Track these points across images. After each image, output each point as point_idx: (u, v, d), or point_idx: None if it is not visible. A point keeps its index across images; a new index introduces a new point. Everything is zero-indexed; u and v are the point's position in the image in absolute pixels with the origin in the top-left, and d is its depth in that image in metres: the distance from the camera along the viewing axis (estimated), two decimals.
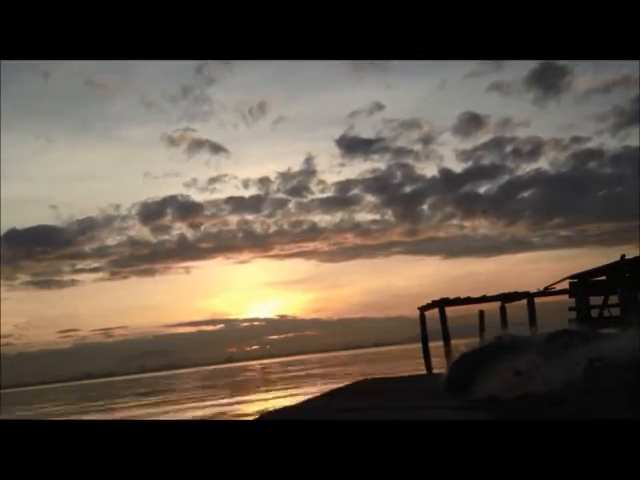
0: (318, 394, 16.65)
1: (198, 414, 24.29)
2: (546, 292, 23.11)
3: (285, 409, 13.60)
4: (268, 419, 11.13)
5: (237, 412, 24.12)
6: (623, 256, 16.38)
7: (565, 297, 19.69)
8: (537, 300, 23.61)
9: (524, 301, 23.88)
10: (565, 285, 19.42)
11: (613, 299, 17.10)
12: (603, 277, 17.77)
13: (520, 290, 24.11)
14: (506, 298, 24.43)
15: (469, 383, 10.16)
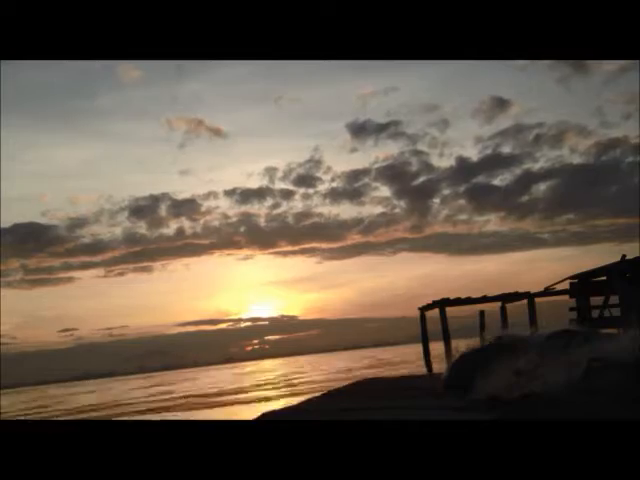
0: (318, 394, 16.65)
1: None
2: (547, 292, 23.11)
3: (285, 409, 13.61)
4: (268, 419, 11.13)
5: None
6: (624, 256, 16.38)
7: (566, 297, 19.70)
8: (538, 300, 23.62)
9: (525, 301, 23.89)
10: (566, 285, 19.43)
11: (613, 299, 17.09)
12: (603, 277, 17.78)
13: (521, 290, 24.13)
14: (507, 298, 24.44)
15: (469, 383, 10.16)
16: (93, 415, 28.82)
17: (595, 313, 17.61)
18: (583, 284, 18.13)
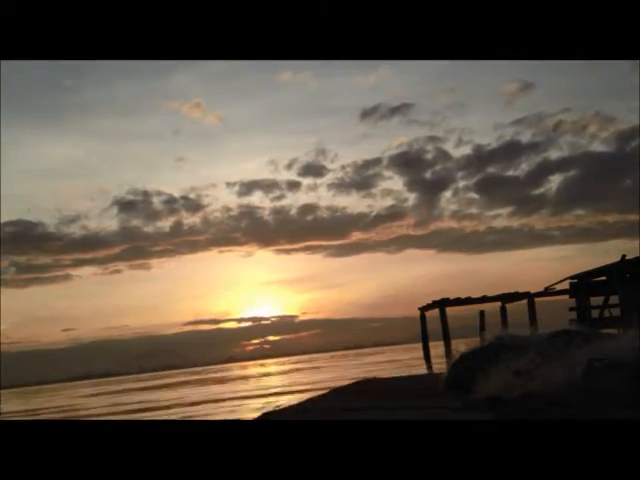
0: (318, 394, 16.65)
1: None
2: (547, 292, 23.12)
3: (285, 409, 13.61)
4: (268, 419, 11.13)
5: None
6: (624, 256, 16.38)
7: (566, 297, 19.74)
8: (537, 300, 23.65)
9: (525, 301, 23.91)
10: (566, 285, 19.46)
11: (613, 299, 17.10)
12: (603, 277, 17.79)
13: (522, 290, 24.18)
14: (507, 298, 24.47)
15: (469, 383, 10.15)
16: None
17: (595, 313, 17.61)
18: (583, 284, 18.14)
